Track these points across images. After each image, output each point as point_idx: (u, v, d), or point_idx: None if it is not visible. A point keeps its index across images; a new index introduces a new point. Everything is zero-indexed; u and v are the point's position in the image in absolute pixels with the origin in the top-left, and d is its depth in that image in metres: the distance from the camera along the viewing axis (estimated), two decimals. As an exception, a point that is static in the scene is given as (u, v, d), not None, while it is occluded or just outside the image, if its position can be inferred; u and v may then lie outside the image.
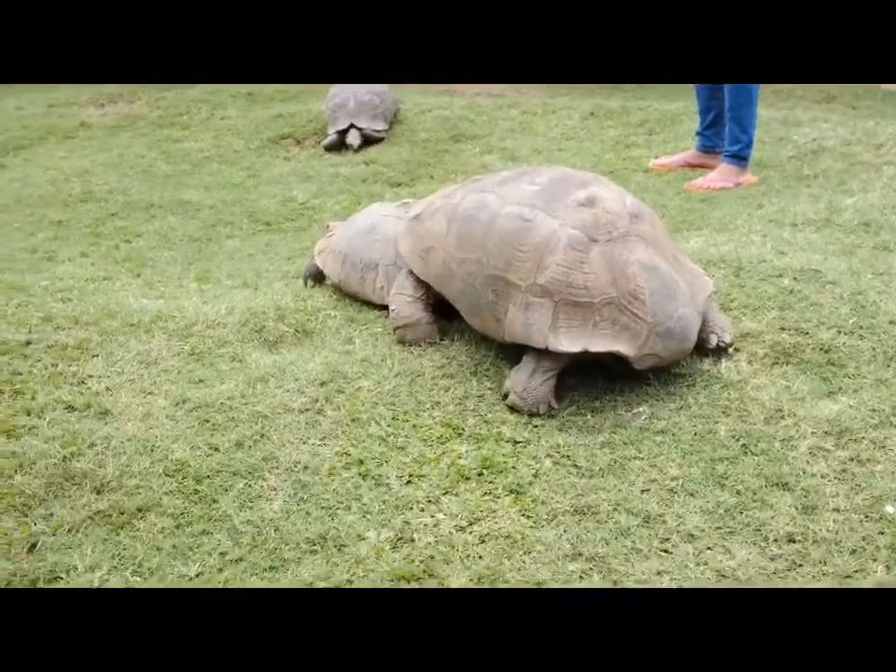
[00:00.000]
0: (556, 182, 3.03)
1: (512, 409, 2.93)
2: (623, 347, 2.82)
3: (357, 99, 6.78)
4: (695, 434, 2.77)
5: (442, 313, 3.38)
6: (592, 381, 3.02)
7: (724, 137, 5.20)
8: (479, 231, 3.05)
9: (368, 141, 6.77)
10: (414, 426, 2.89)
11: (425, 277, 3.30)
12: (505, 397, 2.97)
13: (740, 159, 4.92)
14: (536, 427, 2.86)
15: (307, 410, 2.96)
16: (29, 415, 2.86)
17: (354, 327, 3.47)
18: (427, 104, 7.38)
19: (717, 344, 3.04)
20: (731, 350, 3.07)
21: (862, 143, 5.38)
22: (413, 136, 6.79)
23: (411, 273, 3.36)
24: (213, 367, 3.22)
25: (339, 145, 6.78)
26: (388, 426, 2.88)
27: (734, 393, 2.90)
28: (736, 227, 4.03)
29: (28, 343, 3.26)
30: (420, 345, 3.32)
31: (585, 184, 2.99)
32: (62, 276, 4.25)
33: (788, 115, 5.92)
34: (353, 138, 6.75)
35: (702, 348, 3.04)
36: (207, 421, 2.91)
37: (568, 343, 2.82)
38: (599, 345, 2.82)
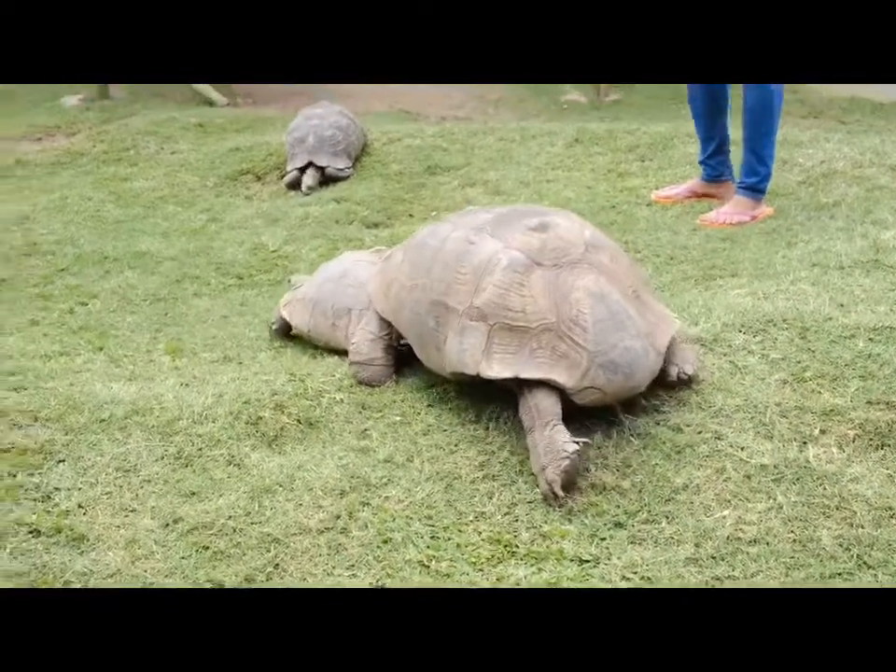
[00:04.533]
0: (516, 211, 2.93)
1: (546, 499, 2.52)
2: (559, 376, 2.55)
3: (317, 134, 6.17)
4: (795, 542, 2.34)
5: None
6: (659, 476, 2.57)
7: (729, 165, 4.83)
8: (427, 256, 2.92)
9: (330, 180, 6.18)
10: (458, 545, 2.42)
11: (385, 313, 3.14)
12: (546, 497, 2.53)
13: (757, 192, 4.51)
14: (603, 539, 2.42)
15: (328, 530, 2.47)
16: (-17, 545, 2.34)
17: (367, 415, 2.98)
18: (396, 131, 6.87)
19: (677, 377, 2.79)
20: (695, 383, 2.83)
21: (875, 164, 5.02)
22: (384, 169, 6.28)
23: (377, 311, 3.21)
24: (206, 474, 2.72)
25: (300, 183, 6.16)
26: (427, 546, 2.41)
27: (830, 488, 2.47)
28: (777, 272, 3.62)
29: (-24, 450, 2.74)
30: (375, 385, 3.13)
31: (544, 213, 2.84)
32: (10, 353, 3.69)
33: (786, 133, 5.54)
34: (308, 179, 6.09)
35: (664, 383, 2.81)
36: (206, 548, 2.43)
37: (500, 369, 2.62)
38: (532, 372, 2.58)
